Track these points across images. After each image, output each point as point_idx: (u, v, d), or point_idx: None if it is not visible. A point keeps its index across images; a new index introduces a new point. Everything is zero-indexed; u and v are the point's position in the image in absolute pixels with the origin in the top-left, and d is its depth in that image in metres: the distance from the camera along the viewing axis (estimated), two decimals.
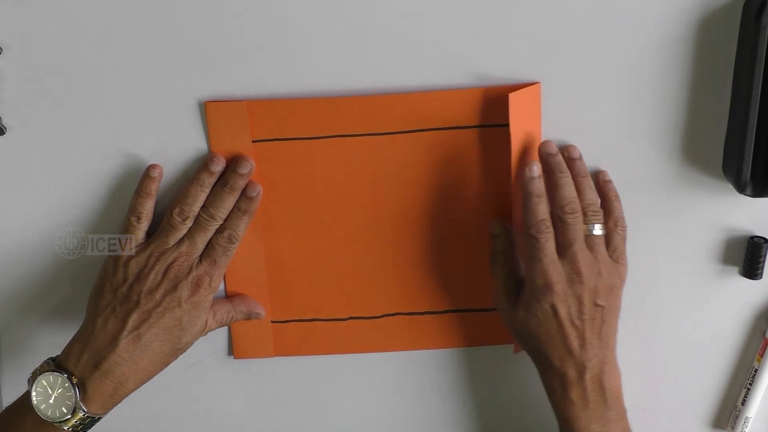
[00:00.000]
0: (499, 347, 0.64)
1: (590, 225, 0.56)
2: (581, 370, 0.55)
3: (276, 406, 0.66)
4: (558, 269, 0.54)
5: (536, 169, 0.56)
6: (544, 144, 0.57)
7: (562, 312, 0.54)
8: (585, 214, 0.56)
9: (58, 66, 0.56)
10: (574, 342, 0.55)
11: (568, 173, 0.56)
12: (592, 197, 0.57)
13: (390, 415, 0.66)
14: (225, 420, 0.66)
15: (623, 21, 0.55)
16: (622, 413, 0.57)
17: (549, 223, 0.55)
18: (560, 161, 0.56)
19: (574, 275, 0.54)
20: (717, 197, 0.59)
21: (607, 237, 0.57)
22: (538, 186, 0.56)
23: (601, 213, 0.57)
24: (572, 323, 0.55)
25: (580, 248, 0.55)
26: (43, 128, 0.57)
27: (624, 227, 0.58)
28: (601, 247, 0.56)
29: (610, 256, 0.56)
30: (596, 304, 0.55)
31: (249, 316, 0.61)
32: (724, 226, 0.60)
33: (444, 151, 0.58)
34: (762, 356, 0.62)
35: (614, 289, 0.56)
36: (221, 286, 0.61)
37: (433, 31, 0.55)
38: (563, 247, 0.55)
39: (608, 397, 0.56)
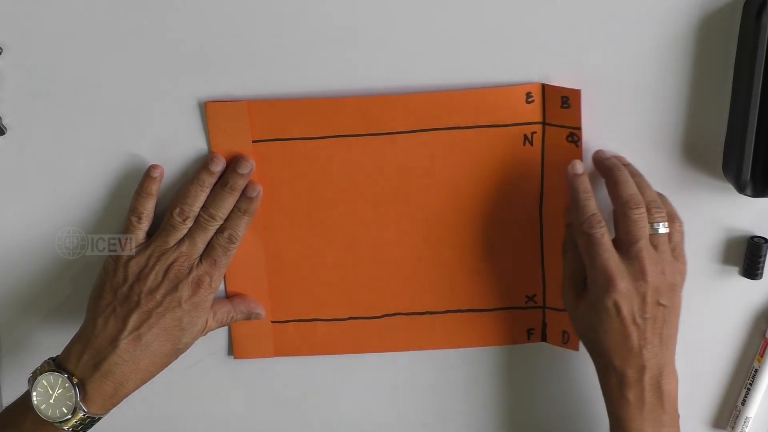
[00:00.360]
0: (499, 348, 0.64)
1: (655, 223, 0.54)
2: (641, 371, 0.54)
3: (276, 406, 0.66)
4: (619, 265, 0.53)
5: (579, 166, 0.56)
6: (598, 151, 0.57)
7: (625, 310, 0.53)
8: (649, 212, 0.54)
9: (58, 66, 0.56)
10: (635, 341, 0.54)
11: (626, 170, 0.56)
12: (654, 195, 0.56)
13: (390, 415, 0.66)
14: (225, 420, 0.66)
15: (623, 21, 0.55)
16: (676, 419, 0.56)
17: (601, 218, 0.54)
18: (616, 162, 0.56)
19: (639, 273, 0.53)
20: (717, 197, 0.59)
21: (669, 235, 0.55)
22: (584, 182, 0.55)
23: (665, 211, 0.55)
24: (634, 322, 0.53)
25: (645, 246, 0.53)
26: (43, 128, 0.57)
27: (682, 223, 0.56)
28: (666, 246, 0.54)
29: (672, 254, 0.55)
30: (659, 303, 0.54)
31: (249, 316, 0.61)
32: (724, 226, 0.60)
33: (444, 151, 0.58)
34: (762, 356, 0.62)
35: (676, 288, 0.55)
36: (221, 286, 0.61)
37: (433, 32, 0.55)
38: (627, 245, 0.54)
39: (665, 401, 0.55)
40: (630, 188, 0.55)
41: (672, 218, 0.56)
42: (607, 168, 0.56)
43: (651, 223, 0.54)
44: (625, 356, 0.54)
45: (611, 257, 0.53)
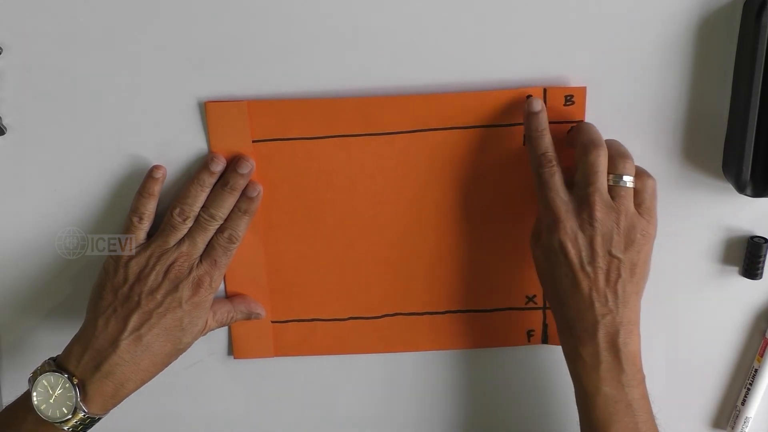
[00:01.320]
0: (499, 348, 0.64)
1: (617, 174, 0.52)
2: (593, 326, 0.52)
3: (276, 406, 0.66)
4: (567, 204, 0.52)
5: (537, 103, 0.54)
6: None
7: (572, 252, 0.52)
8: (613, 162, 0.53)
9: (58, 66, 0.56)
10: (585, 290, 0.52)
11: (593, 125, 0.55)
12: (623, 149, 0.54)
13: (390, 415, 0.66)
14: (225, 420, 0.66)
15: (623, 21, 0.55)
16: (639, 379, 0.53)
17: (552, 158, 0.53)
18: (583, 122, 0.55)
19: (586, 216, 0.52)
20: (717, 197, 0.59)
21: (636, 192, 0.53)
22: (540, 119, 0.54)
23: (632, 163, 0.53)
24: (583, 268, 0.52)
25: (597, 189, 0.52)
26: (43, 128, 0.57)
27: (655, 182, 0.54)
28: (627, 200, 0.52)
29: (636, 208, 0.53)
30: (611, 254, 0.52)
31: (249, 316, 0.61)
32: (724, 226, 0.60)
33: (444, 151, 0.58)
34: (762, 356, 0.62)
35: (635, 244, 0.52)
36: (221, 286, 0.61)
37: (434, 32, 0.55)
38: (580, 188, 0.52)
39: (623, 361, 0.52)
40: (592, 133, 0.54)
41: (642, 176, 0.54)
42: (574, 126, 0.55)
43: (613, 174, 0.52)
44: (576, 305, 0.53)
45: (559, 197, 0.53)
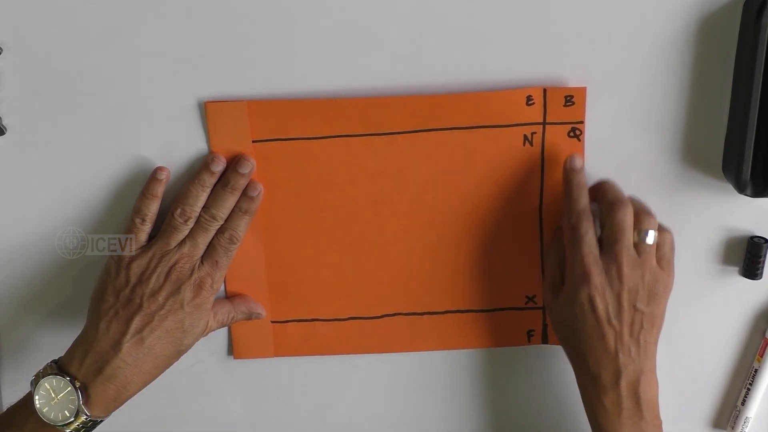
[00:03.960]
0: (499, 348, 0.64)
1: (643, 231, 0.54)
2: (617, 375, 0.54)
3: (276, 406, 0.66)
4: (597, 260, 0.54)
5: (578, 161, 0.57)
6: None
7: (600, 307, 0.53)
8: (638, 219, 0.55)
9: (58, 66, 0.56)
10: (611, 343, 0.54)
11: (614, 182, 0.57)
12: (645, 206, 0.56)
13: (390, 415, 0.66)
14: (225, 420, 0.66)
15: (623, 21, 0.55)
16: (657, 425, 0.56)
17: (589, 214, 0.55)
18: (603, 180, 0.58)
19: (615, 272, 0.53)
20: (717, 197, 0.59)
21: (657, 246, 0.55)
22: (580, 176, 0.56)
23: (655, 220, 0.55)
24: (609, 322, 0.53)
25: (625, 246, 0.54)
26: (43, 128, 0.57)
27: (672, 236, 0.56)
28: (651, 255, 0.55)
29: (657, 263, 0.55)
30: (635, 308, 0.54)
31: (249, 316, 0.61)
32: (724, 226, 0.60)
33: (444, 151, 0.58)
34: (762, 356, 0.62)
35: (657, 297, 0.55)
36: (221, 287, 0.61)
37: (434, 32, 0.55)
38: (609, 244, 0.54)
39: (643, 408, 0.54)
40: (617, 191, 0.56)
41: (662, 230, 0.56)
42: (596, 183, 0.58)
43: (638, 230, 0.54)
44: (600, 358, 0.54)
45: (591, 252, 0.54)
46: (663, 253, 0.56)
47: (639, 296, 0.54)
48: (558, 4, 0.54)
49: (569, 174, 0.57)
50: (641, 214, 0.55)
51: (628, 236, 0.54)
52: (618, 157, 0.58)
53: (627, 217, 0.54)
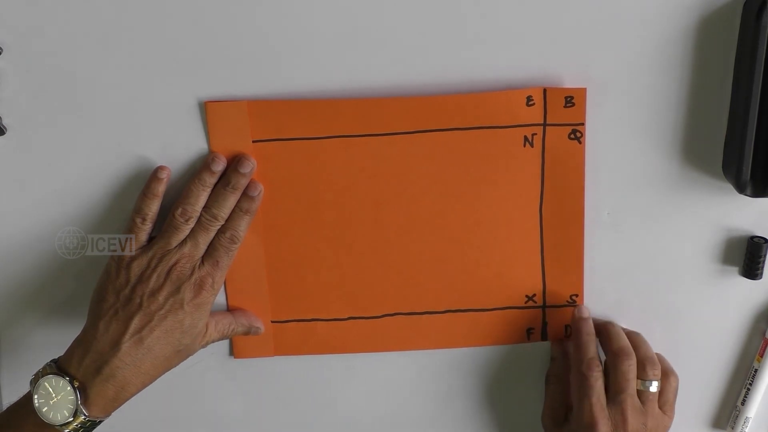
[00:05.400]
0: (499, 348, 0.64)
1: (647, 381, 0.58)
2: None
3: (276, 406, 0.66)
4: (604, 410, 0.57)
5: (585, 311, 0.61)
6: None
7: None
8: (643, 368, 0.58)
9: (58, 66, 0.56)
10: None
11: (618, 326, 0.61)
12: (650, 351, 0.60)
13: (389, 415, 0.66)
14: (225, 420, 0.66)
15: (623, 21, 0.55)
16: None
17: (599, 362, 0.59)
18: (610, 322, 0.61)
19: (620, 422, 0.57)
20: (717, 197, 0.59)
21: (660, 392, 0.59)
22: (589, 325, 0.60)
23: (659, 369, 0.59)
24: None
25: (629, 396, 0.57)
26: (43, 128, 0.57)
27: (678, 380, 0.60)
28: (654, 403, 0.58)
29: (660, 407, 0.59)
30: None
31: (249, 330, 0.61)
32: (724, 226, 0.60)
33: (444, 151, 0.58)
34: (762, 356, 0.62)
35: None
36: (221, 288, 0.61)
37: (434, 32, 0.55)
38: (614, 393, 0.58)
39: None
40: (621, 341, 0.59)
41: (667, 374, 0.60)
42: (601, 325, 0.61)
43: (643, 380, 0.58)
44: None
45: (599, 401, 0.57)
46: (666, 399, 0.60)
47: None
48: (558, 4, 0.54)
49: (578, 323, 0.60)
50: (645, 363, 0.58)
51: (632, 386, 0.58)
52: (618, 157, 0.58)
53: (631, 368, 0.58)
